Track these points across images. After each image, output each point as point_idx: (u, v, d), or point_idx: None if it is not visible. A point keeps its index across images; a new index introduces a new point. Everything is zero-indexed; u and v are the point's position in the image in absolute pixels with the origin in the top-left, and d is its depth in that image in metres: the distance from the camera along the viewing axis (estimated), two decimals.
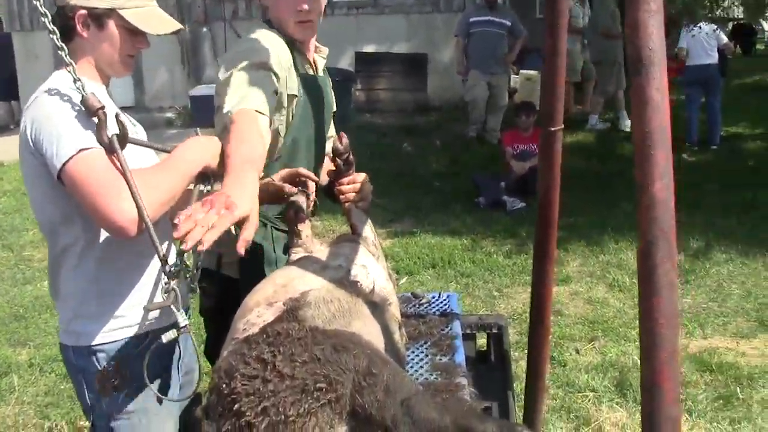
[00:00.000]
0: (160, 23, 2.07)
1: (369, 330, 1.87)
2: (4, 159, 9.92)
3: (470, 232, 6.83)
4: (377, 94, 12.51)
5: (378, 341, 1.88)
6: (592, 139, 10.26)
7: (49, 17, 1.85)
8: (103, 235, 1.96)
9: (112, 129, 1.86)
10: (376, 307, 2.00)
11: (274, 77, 2.28)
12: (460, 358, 2.65)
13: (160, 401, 2.04)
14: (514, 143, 8.15)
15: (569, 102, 11.37)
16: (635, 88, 1.53)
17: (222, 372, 1.57)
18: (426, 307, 3.18)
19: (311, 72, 2.57)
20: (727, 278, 5.66)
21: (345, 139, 2.27)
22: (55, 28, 1.86)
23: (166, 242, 2.04)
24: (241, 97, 2.11)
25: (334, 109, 2.77)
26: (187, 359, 2.22)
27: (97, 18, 1.98)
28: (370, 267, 2.12)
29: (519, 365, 3.85)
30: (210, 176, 1.99)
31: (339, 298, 1.88)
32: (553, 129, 2.68)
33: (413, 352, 2.70)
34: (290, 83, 2.41)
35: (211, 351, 2.58)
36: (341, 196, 2.39)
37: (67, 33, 1.97)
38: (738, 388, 4.02)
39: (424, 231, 6.87)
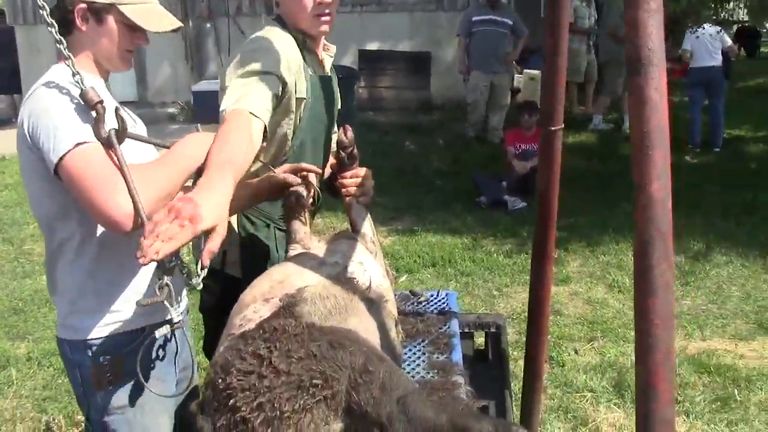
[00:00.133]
0: (159, 20, 2.07)
1: (365, 327, 1.87)
2: (5, 152, 9.92)
3: (471, 231, 6.83)
4: (380, 92, 12.51)
5: (374, 338, 1.88)
6: (594, 140, 10.26)
7: (48, 10, 1.84)
8: (100, 230, 1.95)
9: (110, 123, 1.85)
10: (373, 304, 2.00)
11: (279, 82, 2.25)
12: (457, 356, 2.64)
13: (155, 396, 2.04)
14: (517, 142, 8.16)
15: (573, 103, 11.39)
16: (634, 88, 1.53)
17: (218, 367, 1.57)
18: (424, 305, 3.17)
19: (320, 71, 2.55)
20: (727, 280, 5.66)
21: (350, 132, 2.27)
22: (53, 21, 1.85)
23: None
24: (239, 98, 2.08)
25: (339, 106, 2.75)
26: (185, 355, 2.21)
27: (97, 12, 1.98)
28: (367, 264, 2.12)
29: (518, 364, 3.85)
30: None
31: (335, 294, 1.88)
32: (553, 128, 2.68)
33: (410, 350, 2.70)
34: (299, 86, 2.38)
35: (210, 347, 2.58)
36: (343, 190, 2.38)
37: (67, 26, 1.97)
38: (736, 390, 4.02)
39: (424, 229, 6.88)
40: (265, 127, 2.07)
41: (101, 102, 1.82)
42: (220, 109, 2.09)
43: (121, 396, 2.04)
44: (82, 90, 1.82)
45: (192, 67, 12.61)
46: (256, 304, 1.85)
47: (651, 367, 1.51)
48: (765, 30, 25.82)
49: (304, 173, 2.28)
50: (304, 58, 2.44)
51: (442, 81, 12.13)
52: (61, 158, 1.80)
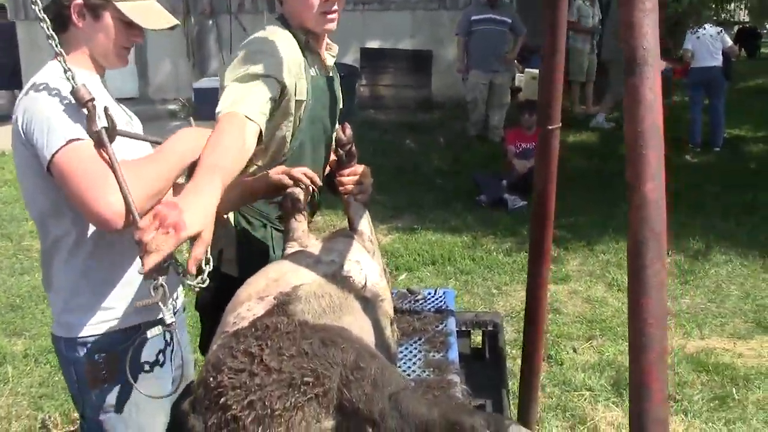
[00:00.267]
0: (156, 18, 2.06)
1: (360, 325, 1.87)
2: (5, 148, 9.90)
3: (471, 229, 6.83)
4: (381, 90, 12.49)
5: (368, 337, 1.88)
6: (595, 139, 10.24)
7: (40, 5, 1.82)
8: (93, 228, 1.95)
9: (102, 121, 1.84)
10: (368, 303, 1.99)
11: (278, 85, 2.22)
12: (454, 355, 2.64)
13: (148, 395, 2.03)
14: (517, 141, 8.16)
15: (574, 102, 11.39)
16: (628, 88, 1.52)
17: (209, 365, 1.57)
18: (421, 304, 3.16)
19: (322, 71, 2.53)
20: (726, 279, 5.66)
21: (348, 130, 2.26)
22: (45, 17, 1.83)
23: None
24: (235, 100, 2.05)
25: (341, 106, 2.73)
26: (180, 353, 2.21)
27: (93, 9, 1.97)
28: (364, 263, 2.11)
29: (516, 363, 3.84)
30: None
31: (330, 293, 1.88)
32: (551, 127, 2.67)
33: (406, 348, 2.69)
34: (299, 88, 2.37)
35: (206, 345, 2.57)
36: (341, 188, 2.36)
37: (63, 22, 1.97)
38: (734, 389, 4.02)
39: (424, 228, 6.87)
40: (261, 132, 2.05)
41: (92, 100, 1.81)
42: (216, 110, 2.07)
43: (116, 394, 2.04)
44: (73, 87, 1.81)
45: (193, 64, 12.62)
46: (250, 301, 1.85)
47: (644, 366, 1.50)
48: (765, 31, 25.77)
49: (297, 178, 2.27)
50: (306, 59, 2.42)
51: (443, 80, 12.12)
52: (53, 155, 1.79)
